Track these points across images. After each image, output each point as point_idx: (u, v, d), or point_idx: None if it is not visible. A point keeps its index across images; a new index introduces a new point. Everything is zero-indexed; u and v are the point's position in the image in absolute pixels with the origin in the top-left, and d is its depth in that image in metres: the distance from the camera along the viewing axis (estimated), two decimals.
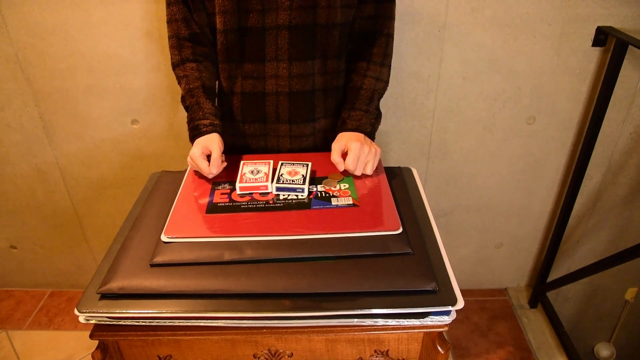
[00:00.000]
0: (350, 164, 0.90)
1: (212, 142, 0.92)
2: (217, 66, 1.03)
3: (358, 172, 0.91)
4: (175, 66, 1.01)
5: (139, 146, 1.54)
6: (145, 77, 1.40)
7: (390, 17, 1.01)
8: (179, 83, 1.00)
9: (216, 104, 1.03)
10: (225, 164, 0.94)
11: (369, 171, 0.91)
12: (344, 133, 0.96)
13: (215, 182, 0.92)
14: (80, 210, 1.70)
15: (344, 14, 0.96)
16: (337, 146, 0.94)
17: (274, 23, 0.93)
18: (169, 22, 0.98)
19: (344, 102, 1.04)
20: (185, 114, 0.99)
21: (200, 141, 0.92)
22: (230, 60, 0.99)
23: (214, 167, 0.90)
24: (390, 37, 1.02)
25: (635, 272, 1.77)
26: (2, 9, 1.30)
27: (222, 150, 0.92)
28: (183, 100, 1.00)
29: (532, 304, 1.82)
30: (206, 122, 0.94)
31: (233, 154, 1.05)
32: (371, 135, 0.98)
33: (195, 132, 0.94)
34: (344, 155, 0.92)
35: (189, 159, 0.92)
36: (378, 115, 1.02)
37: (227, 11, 0.92)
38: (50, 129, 1.51)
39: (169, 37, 0.99)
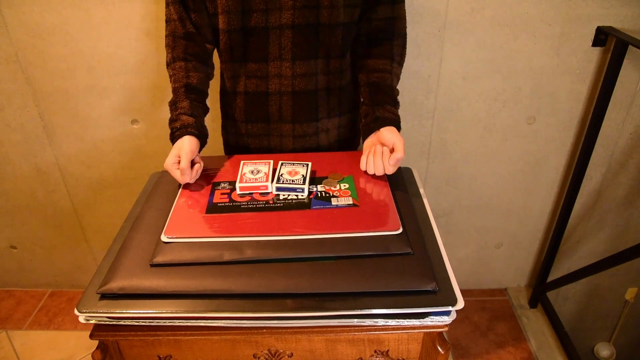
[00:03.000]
0: (394, 165, 0.89)
1: (182, 148, 0.90)
2: (208, 66, 1.02)
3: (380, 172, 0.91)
4: (167, 65, 1.00)
5: (139, 146, 1.54)
6: (145, 77, 1.40)
7: (405, 17, 1.03)
8: (170, 83, 1.00)
9: (202, 100, 1.00)
10: (200, 165, 0.92)
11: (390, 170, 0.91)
12: (385, 129, 0.94)
13: (215, 182, 0.92)
14: (80, 210, 1.70)
15: (347, 14, 0.96)
16: (377, 140, 0.94)
17: (278, 23, 0.93)
18: (167, 21, 0.99)
19: (373, 98, 0.99)
20: None
21: (174, 149, 0.91)
22: (233, 60, 0.99)
23: (186, 177, 0.88)
24: (405, 37, 1.04)
25: (635, 272, 1.77)
26: (2, 9, 1.30)
27: (191, 155, 0.90)
28: (169, 103, 0.98)
29: (532, 304, 1.82)
30: (177, 124, 0.93)
31: (236, 154, 1.05)
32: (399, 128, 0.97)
33: (171, 138, 0.93)
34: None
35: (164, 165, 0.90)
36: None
37: (231, 11, 0.93)
38: (50, 129, 1.51)
39: (165, 36, 1.00)
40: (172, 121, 0.95)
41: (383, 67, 1.00)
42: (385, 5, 0.99)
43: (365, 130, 0.97)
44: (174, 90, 0.97)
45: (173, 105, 0.96)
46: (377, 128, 0.95)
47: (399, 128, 0.96)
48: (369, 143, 0.96)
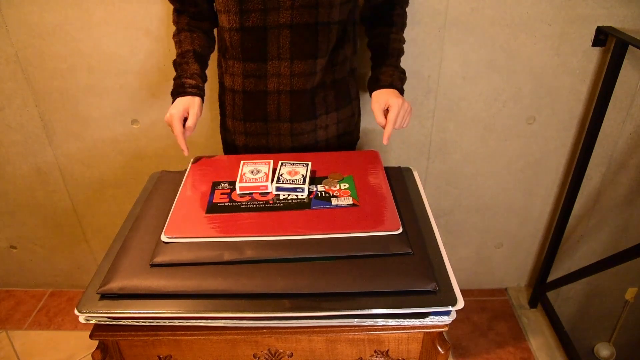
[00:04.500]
0: (393, 121, 0.95)
1: (192, 106, 0.95)
2: (210, 39, 1.08)
3: (398, 126, 0.97)
4: (173, 37, 1.06)
5: (139, 146, 1.54)
6: (145, 77, 1.40)
7: None
8: (176, 49, 1.06)
9: (205, 69, 1.06)
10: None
11: (405, 125, 0.98)
12: (380, 91, 1.01)
13: (215, 182, 0.92)
14: (80, 210, 1.70)
15: (342, 11, 0.97)
16: (377, 106, 0.99)
17: (276, 22, 0.93)
18: (173, 9, 1.07)
19: (373, 62, 1.09)
20: None
21: (182, 101, 0.96)
22: (232, 59, 1.00)
23: (188, 131, 0.94)
24: (406, 4, 1.10)
25: (635, 272, 1.77)
26: (2, 9, 1.30)
27: (198, 117, 0.96)
28: (174, 62, 1.04)
29: (532, 304, 1.82)
30: (192, 82, 0.98)
31: (235, 152, 1.05)
32: (402, 91, 1.03)
33: (180, 90, 0.98)
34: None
35: (167, 116, 0.94)
36: (403, 72, 1.08)
37: (230, 11, 0.93)
38: (50, 129, 1.51)
39: (172, 12, 1.08)
40: (182, 77, 0.99)
41: (381, 31, 1.07)
42: None
43: (370, 93, 1.05)
44: (182, 53, 1.03)
45: (184, 64, 1.01)
46: (374, 89, 1.03)
47: (395, 87, 1.01)
48: (377, 107, 1.00)
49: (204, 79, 1.03)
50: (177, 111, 0.93)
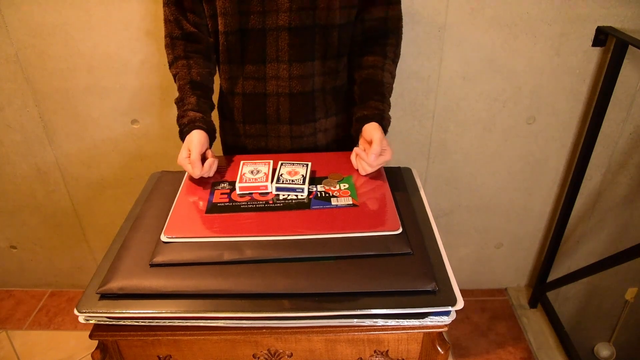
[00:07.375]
0: (373, 160, 0.89)
1: (191, 142, 0.91)
2: (211, 62, 1.03)
3: (374, 168, 0.91)
4: (170, 65, 1.01)
5: (139, 146, 1.54)
6: (145, 77, 1.40)
7: (400, 17, 1.03)
8: (175, 82, 1.01)
9: (207, 96, 1.01)
10: (213, 160, 0.92)
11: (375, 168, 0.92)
12: (366, 125, 0.95)
13: (215, 182, 0.92)
14: (80, 210, 1.70)
15: (343, 15, 0.96)
16: (363, 140, 0.95)
17: (274, 24, 0.93)
18: (164, 22, 1.00)
19: (361, 95, 1.00)
20: None
21: (184, 142, 0.93)
22: (231, 62, 0.99)
23: (196, 170, 0.89)
24: (400, 36, 1.04)
25: (635, 272, 1.77)
26: (2, 9, 1.30)
27: (200, 148, 0.91)
28: (175, 101, 1.00)
29: (532, 304, 1.82)
30: (185, 120, 0.95)
31: (234, 154, 1.05)
32: (387, 127, 0.97)
33: (180, 134, 0.95)
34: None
35: (179, 161, 0.92)
36: (389, 108, 1.01)
37: (228, 13, 0.93)
38: (50, 129, 1.51)
39: (164, 37, 1.01)
40: (180, 118, 0.96)
41: (374, 63, 1.00)
42: (379, 7, 0.99)
43: (354, 132, 0.99)
44: (180, 88, 0.99)
45: (180, 102, 0.98)
46: (361, 127, 0.95)
47: (381, 122, 0.94)
48: (360, 142, 0.97)
49: (203, 107, 0.97)
50: (182, 153, 0.90)
